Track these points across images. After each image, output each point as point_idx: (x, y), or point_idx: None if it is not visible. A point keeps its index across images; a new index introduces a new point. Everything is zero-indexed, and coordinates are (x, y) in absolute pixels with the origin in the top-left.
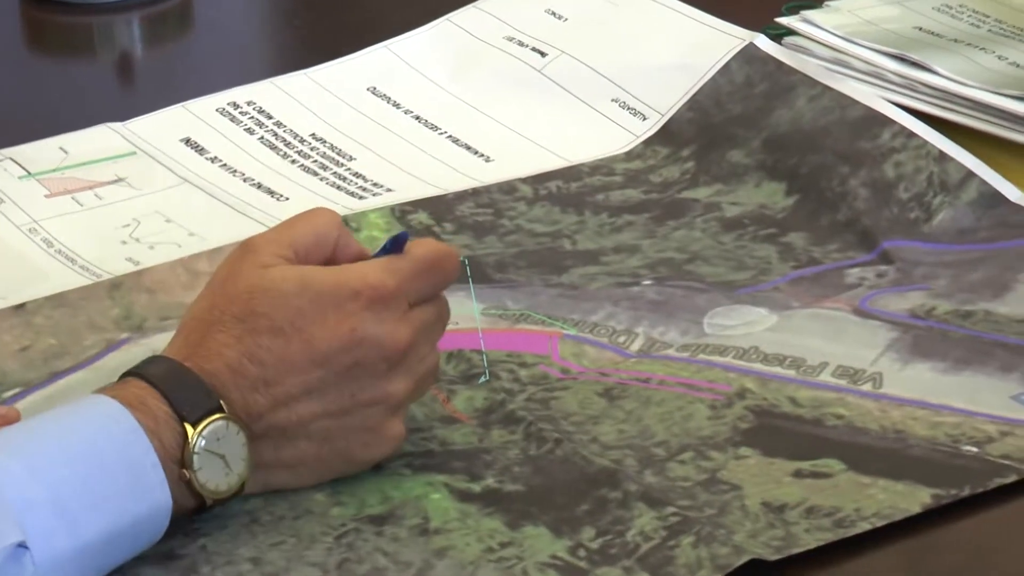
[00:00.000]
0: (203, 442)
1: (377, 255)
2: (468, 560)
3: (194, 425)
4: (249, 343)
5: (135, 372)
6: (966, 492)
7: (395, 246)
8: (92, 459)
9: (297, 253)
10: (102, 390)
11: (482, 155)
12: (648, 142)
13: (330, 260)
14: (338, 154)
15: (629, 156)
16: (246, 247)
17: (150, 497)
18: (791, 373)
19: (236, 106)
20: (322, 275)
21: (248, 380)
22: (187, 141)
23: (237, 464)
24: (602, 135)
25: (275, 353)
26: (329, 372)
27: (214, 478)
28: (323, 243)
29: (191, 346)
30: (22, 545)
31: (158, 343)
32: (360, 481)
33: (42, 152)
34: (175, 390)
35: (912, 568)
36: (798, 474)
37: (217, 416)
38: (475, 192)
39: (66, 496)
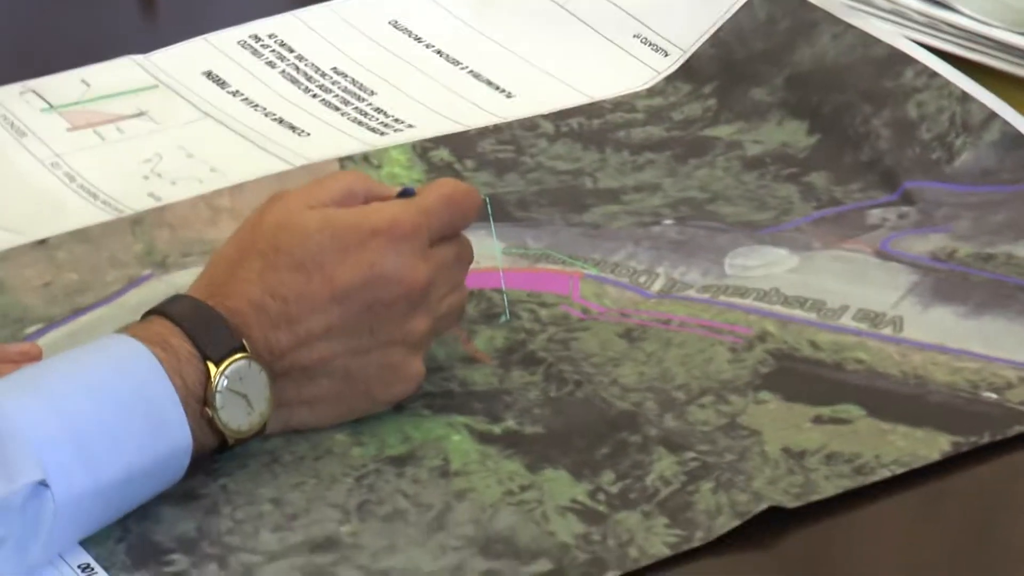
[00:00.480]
0: (225, 381)
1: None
2: (488, 503)
3: (217, 364)
4: (271, 279)
5: (158, 310)
6: (985, 439)
7: (406, 195)
8: (112, 398)
9: (325, 205)
10: (125, 328)
11: (503, 91)
12: (670, 78)
13: None
14: (359, 88)
15: (651, 92)
16: (275, 196)
17: (170, 435)
18: (812, 316)
19: (258, 39)
20: (343, 214)
21: (270, 317)
22: (208, 74)
23: (259, 403)
24: (624, 71)
25: (296, 289)
26: (350, 309)
27: (236, 417)
28: (352, 197)
29: (215, 284)
30: (42, 483)
31: (180, 279)
32: (381, 421)
33: (64, 84)
34: (198, 329)
35: (928, 514)
36: (818, 420)
37: (240, 355)
38: (496, 128)
39: (86, 435)
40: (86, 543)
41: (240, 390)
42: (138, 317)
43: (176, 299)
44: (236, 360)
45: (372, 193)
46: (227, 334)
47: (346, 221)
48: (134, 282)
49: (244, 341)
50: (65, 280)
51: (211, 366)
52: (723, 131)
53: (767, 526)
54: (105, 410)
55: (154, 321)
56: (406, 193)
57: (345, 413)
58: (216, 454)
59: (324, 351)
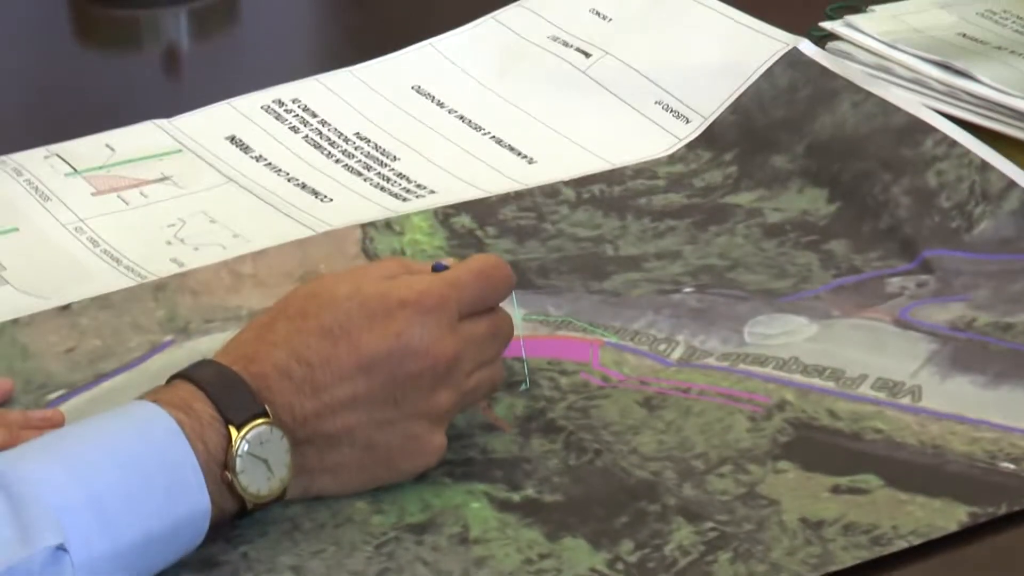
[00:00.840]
0: (246, 445)
1: None
2: (507, 571)
3: (239, 428)
4: (297, 343)
5: (183, 375)
6: (1003, 510)
7: (439, 270)
8: (132, 462)
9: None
10: (149, 393)
11: (525, 156)
12: (691, 145)
13: None
14: (382, 154)
15: (672, 159)
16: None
17: (189, 500)
18: (831, 385)
19: (281, 103)
20: (374, 284)
21: (294, 382)
22: (232, 139)
23: (280, 468)
24: (645, 137)
25: (322, 355)
26: (375, 379)
27: (256, 482)
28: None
29: (242, 349)
30: (61, 547)
31: (202, 345)
32: (401, 489)
33: (89, 149)
34: (221, 393)
35: None
36: (836, 489)
37: (262, 420)
38: (518, 195)
39: (105, 499)
40: None
41: (261, 455)
42: (160, 383)
43: (201, 364)
44: (257, 425)
45: (409, 272)
46: (249, 399)
47: (375, 290)
48: (156, 348)
49: (267, 406)
50: (88, 346)
51: (232, 430)
52: (743, 198)
53: None
54: (125, 475)
55: (178, 385)
56: (439, 268)
57: (367, 482)
58: (236, 519)
59: (348, 420)
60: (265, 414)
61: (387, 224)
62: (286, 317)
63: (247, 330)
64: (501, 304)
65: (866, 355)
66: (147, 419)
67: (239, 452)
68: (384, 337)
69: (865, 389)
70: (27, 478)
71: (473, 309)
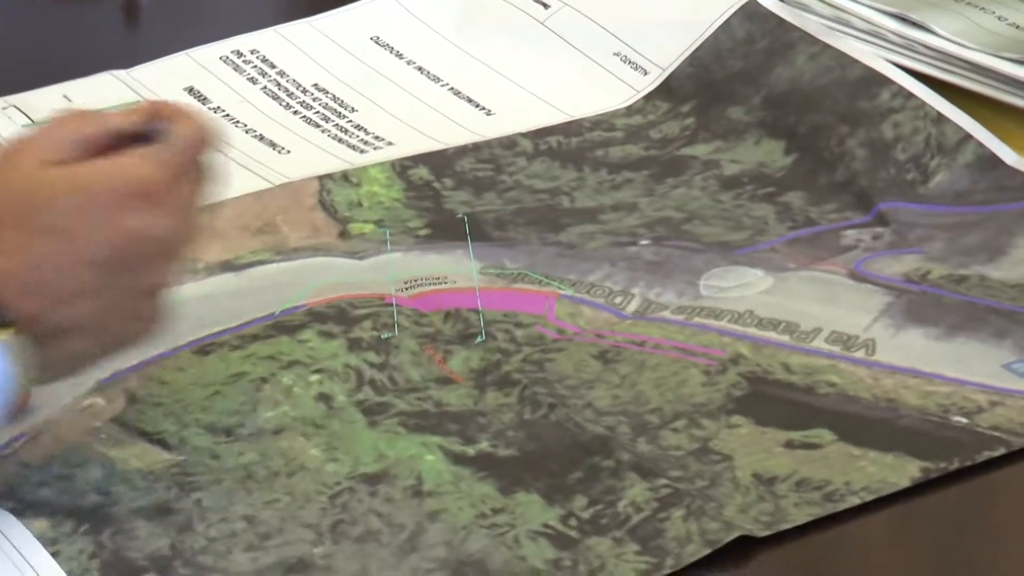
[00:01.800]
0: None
1: None
2: (460, 525)
3: None
4: (25, 246)
5: None
6: (955, 465)
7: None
8: None
9: (61, 157)
10: None
11: (483, 108)
12: (648, 97)
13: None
14: (340, 105)
15: (629, 111)
16: (11, 152)
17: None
18: (785, 338)
19: (240, 54)
20: (92, 173)
21: (24, 284)
22: (190, 90)
23: (30, 371)
24: (603, 89)
25: (49, 256)
26: (99, 270)
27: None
28: (90, 145)
29: None
30: None
31: None
32: (355, 438)
33: (46, 100)
34: None
35: (897, 538)
36: (789, 444)
37: (11, 328)
38: (475, 147)
39: None
40: (59, 558)
41: (17, 360)
42: None
43: None
44: (10, 333)
45: (109, 130)
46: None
47: (96, 181)
48: None
49: (10, 313)
50: None
51: None
52: (701, 150)
53: (736, 551)
54: None
55: None
56: (147, 136)
57: (92, 361)
58: None
59: (75, 312)
60: (12, 323)
61: (344, 176)
62: (12, 220)
63: None
64: (459, 255)
65: (820, 308)
66: None
67: None
68: (104, 227)
69: (819, 343)
70: None
71: (183, 178)
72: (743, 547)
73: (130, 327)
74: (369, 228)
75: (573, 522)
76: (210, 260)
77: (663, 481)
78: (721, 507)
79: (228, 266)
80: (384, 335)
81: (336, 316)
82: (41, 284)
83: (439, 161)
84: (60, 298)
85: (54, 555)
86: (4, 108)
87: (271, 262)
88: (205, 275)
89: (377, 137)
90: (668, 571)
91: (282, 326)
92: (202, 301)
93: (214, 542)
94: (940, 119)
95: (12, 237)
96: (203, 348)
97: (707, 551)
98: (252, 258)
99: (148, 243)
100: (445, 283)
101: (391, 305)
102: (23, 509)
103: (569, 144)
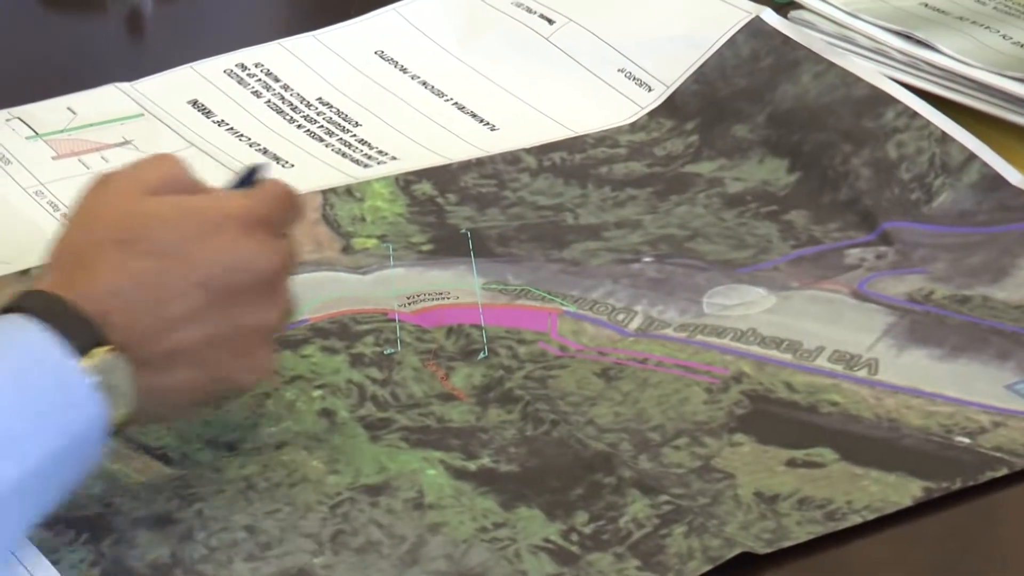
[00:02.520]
0: (94, 375)
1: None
2: (461, 538)
3: (82, 359)
4: (132, 267)
5: (13, 308)
6: (957, 485)
7: (249, 179)
8: (22, 381)
9: (155, 192)
10: None
11: (487, 123)
12: (653, 114)
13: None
14: (344, 119)
15: (633, 128)
16: (107, 180)
17: (86, 407)
18: (787, 357)
19: (244, 68)
20: (195, 201)
21: (131, 304)
22: (194, 103)
23: (125, 395)
24: (607, 106)
25: (158, 276)
26: (210, 294)
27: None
28: (174, 183)
29: (69, 275)
30: None
31: None
32: (357, 451)
33: (50, 112)
34: (59, 325)
35: (898, 558)
36: (791, 463)
37: (105, 348)
38: (479, 162)
39: (6, 426)
40: (60, 567)
41: (108, 383)
42: None
43: (29, 295)
44: (102, 354)
45: (189, 179)
46: (88, 329)
47: (200, 207)
48: None
49: (107, 332)
50: None
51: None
52: (704, 168)
53: (738, 569)
54: (19, 394)
55: (11, 319)
56: (252, 173)
57: (199, 400)
58: None
59: (184, 336)
60: (106, 340)
61: (348, 190)
62: (112, 242)
63: (68, 255)
64: (462, 271)
65: (823, 327)
66: (21, 334)
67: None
68: (216, 252)
69: (822, 361)
70: None
71: (279, 230)
72: (745, 565)
73: (241, 365)
74: (372, 243)
75: (574, 537)
76: None
77: (665, 498)
78: (723, 524)
79: None
80: (387, 351)
81: (339, 331)
82: (146, 305)
83: (443, 176)
84: (167, 322)
85: (54, 563)
86: (8, 120)
87: None
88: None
89: (381, 151)
90: None
91: (285, 341)
92: None
93: (215, 551)
94: (944, 139)
95: (115, 257)
96: None
97: (708, 567)
98: None
99: (255, 272)
100: (448, 299)
101: (393, 320)
102: None
103: (573, 160)
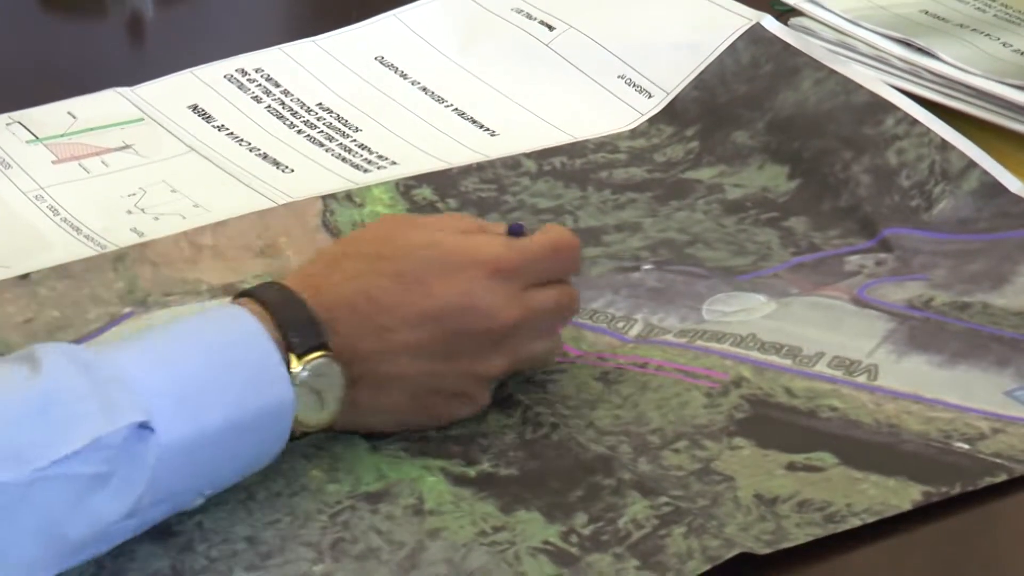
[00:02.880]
0: (305, 375)
1: None
2: (461, 542)
3: (299, 357)
4: (368, 282)
5: (249, 293)
6: (956, 490)
7: (514, 233)
8: (215, 352)
9: (427, 226)
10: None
11: (487, 129)
12: (653, 120)
13: None
14: (344, 125)
15: (634, 134)
16: (387, 215)
17: (272, 391)
18: (787, 362)
19: (244, 73)
20: (452, 238)
21: (360, 320)
22: (195, 108)
23: (332, 403)
24: (607, 112)
25: (392, 297)
26: (438, 331)
27: (307, 411)
28: (458, 221)
29: (311, 276)
30: (145, 426)
31: (160, 318)
32: (357, 459)
33: (50, 116)
34: (287, 319)
35: (897, 562)
36: (791, 467)
37: (322, 352)
38: (479, 167)
39: (190, 385)
40: None
41: (316, 386)
42: None
43: (269, 285)
44: (319, 356)
45: (481, 226)
46: (314, 329)
47: (453, 244)
48: (115, 320)
49: (330, 338)
50: (47, 317)
51: (293, 357)
52: (704, 174)
53: (737, 571)
54: (209, 363)
55: (245, 303)
56: (515, 231)
57: (403, 424)
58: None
59: (404, 365)
60: (327, 346)
61: (348, 196)
62: (360, 255)
63: (316, 262)
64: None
65: (823, 333)
66: (232, 316)
67: (296, 380)
68: (455, 291)
69: (822, 367)
70: (113, 363)
71: (540, 280)
72: (744, 566)
73: (452, 403)
74: None
75: (574, 539)
76: (213, 283)
77: (664, 499)
78: (722, 525)
79: (231, 289)
80: None
81: None
82: (374, 323)
83: (443, 181)
84: (390, 345)
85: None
86: (9, 124)
87: None
88: (208, 297)
89: (381, 156)
90: None
91: None
92: None
93: (215, 562)
94: (944, 146)
95: (359, 268)
96: None
97: (707, 567)
98: (255, 282)
99: (483, 316)
100: None
101: None
102: None
103: (573, 165)
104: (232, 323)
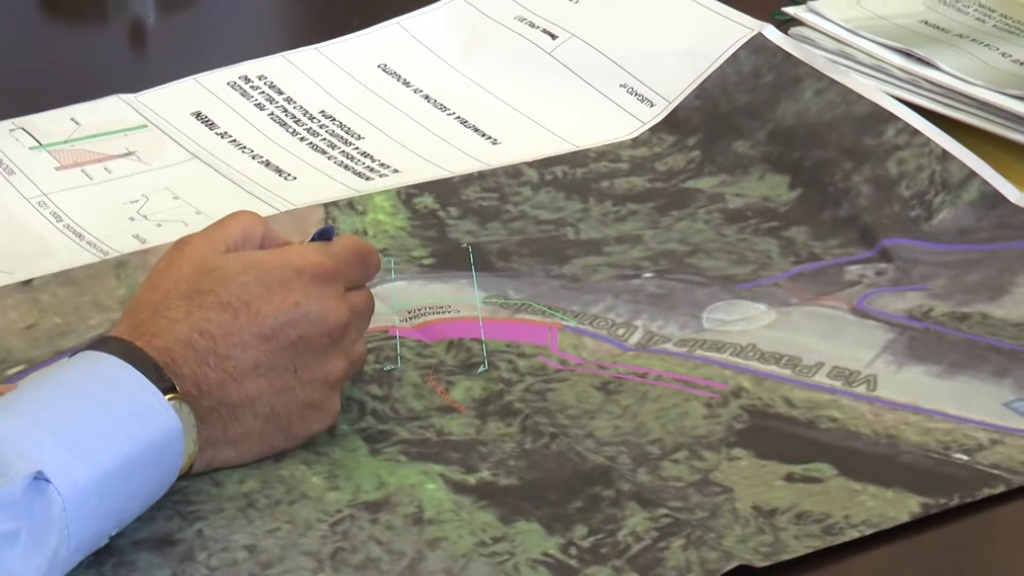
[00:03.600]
0: None
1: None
2: (460, 553)
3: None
4: (198, 318)
5: (92, 348)
6: (955, 502)
7: (322, 238)
8: (92, 397)
9: (229, 248)
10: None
11: (489, 137)
12: (654, 129)
13: None
14: (347, 132)
15: (635, 143)
16: (183, 242)
17: (157, 422)
18: (787, 372)
19: (247, 80)
20: (264, 255)
21: (198, 354)
22: (198, 115)
23: (188, 444)
24: (609, 120)
25: (224, 327)
26: (276, 346)
27: None
28: (250, 239)
29: (139, 325)
30: (40, 478)
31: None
32: (357, 466)
33: (54, 122)
34: (135, 365)
35: (896, 574)
36: (790, 478)
37: (171, 396)
38: (481, 176)
39: (75, 432)
40: None
41: None
42: None
43: (104, 340)
44: (169, 400)
45: (268, 236)
46: (156, 375)
47: (267, 261)
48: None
49: (173, 380)
50: (48, 323)
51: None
52: (706, 183)
53: None
54: (90, 406)
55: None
56: (322, 235)
57: (266, 450)
58: None
59: (250, 388)
60: (174, 388)
61: (349, 203)
62: (179, 297)
63: (138, 309)
64: (462, 285)
65: (823, 343)
66: (95, 360)
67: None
68: (283, 305)
69: (821, 377)
70: None
71: (351, 284)
72: None
73: (306, 415)
74: None
75: (573, 551)
76: None
77: (663, 511)
78: (721, 537)
79: None
80: (387, 367)
81: None
82: (211, 356)
83: (445, 189)
84: (231, 373)
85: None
86: (12, 130)
87: None
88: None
89: (383, 164)
90: None
91: None
92: None
93: (215, 571)
94: (945, 156)
95: (183, 309)
96: None
97: None
98: None
99: (317, 322)
100: (448, 312)
101: (394, 338)
102: None
103: (574, 175)
104: (99, 366)
